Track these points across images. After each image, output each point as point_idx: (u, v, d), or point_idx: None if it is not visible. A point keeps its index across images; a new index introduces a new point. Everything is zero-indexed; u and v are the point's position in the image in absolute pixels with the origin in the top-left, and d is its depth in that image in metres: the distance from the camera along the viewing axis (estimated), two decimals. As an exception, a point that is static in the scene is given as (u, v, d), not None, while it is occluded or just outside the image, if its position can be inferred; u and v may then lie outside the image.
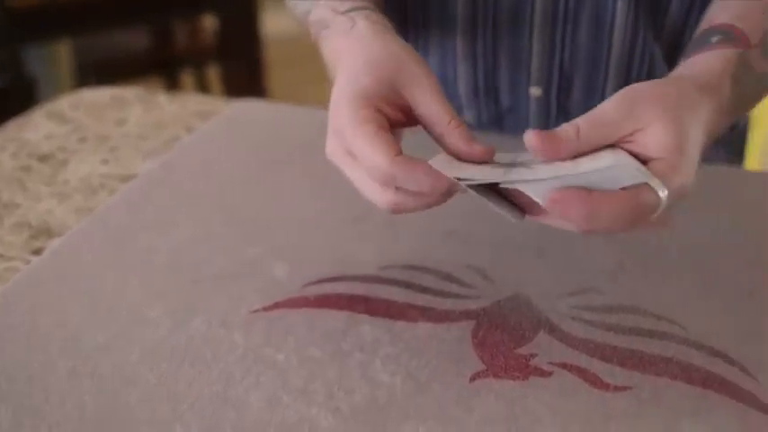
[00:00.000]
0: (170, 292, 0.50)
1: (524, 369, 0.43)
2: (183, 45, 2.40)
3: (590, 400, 0.41)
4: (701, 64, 0.48)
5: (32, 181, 0.65)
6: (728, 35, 0.50)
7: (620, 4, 0.62)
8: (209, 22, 2.35)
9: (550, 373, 0.43)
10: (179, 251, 0.54)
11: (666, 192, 0.38)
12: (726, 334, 0.46)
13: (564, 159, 0.40)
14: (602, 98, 0.67)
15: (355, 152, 0.42)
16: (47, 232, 0.57)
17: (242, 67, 2.25)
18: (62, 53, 2.20)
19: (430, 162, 0.41)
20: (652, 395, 0.41)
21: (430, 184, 0.40)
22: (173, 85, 2.38)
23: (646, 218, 0.39)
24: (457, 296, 0.49)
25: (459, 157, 0.43)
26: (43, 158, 0.68)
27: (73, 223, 0.58)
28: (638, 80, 0.66)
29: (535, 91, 0.67)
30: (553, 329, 0.46)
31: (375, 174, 0.41)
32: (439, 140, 0.43)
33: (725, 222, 0.58)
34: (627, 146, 0.41)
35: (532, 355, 0.44)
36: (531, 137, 0.40)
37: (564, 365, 0.43)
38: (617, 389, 0.42)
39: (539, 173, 0.40)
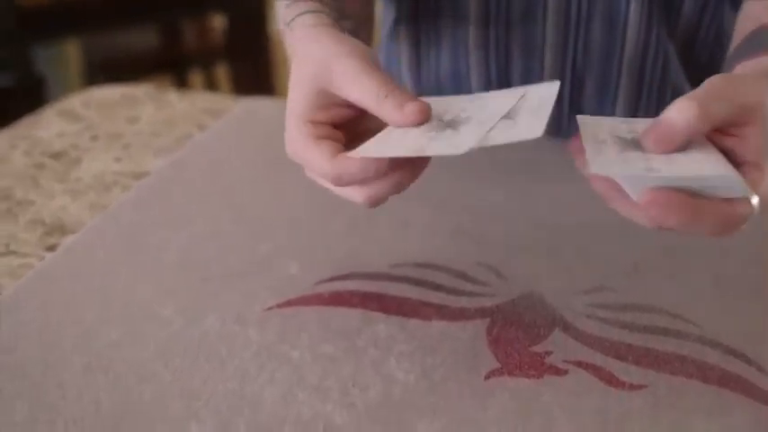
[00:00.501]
0: (182, 290, 0.50)
1: (539, 367, 0.43)
2: (192, 44, 2.40)
3: (605, 399, 0.41)
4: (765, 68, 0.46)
5: (46, 178, 0.65)
6: None
7: (633, 4, 0.62)
8: (218, 22, 2.35)
9: (566, 372, 0.43)
10: (191, 248, 0.54)
11: (757, 200, 0.37)
12: (741, 332, 0.46)
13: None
14: (616, 95, 0.67)
15: (310, 168, 0.43)
16: (61, 229, 0.57)
17: (251, 67, 2.26)
18: (70, 53, 2.20)
19: (364, 145, 0.40)
20: (667, 393, 0.41)
21: (373, 168, 0.40)
22: (181, 84, 2.38)
23: (737, 228, 0.37)
24: (470, 294, 0.49)
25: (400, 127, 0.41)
26: (56, 156, 0.69)
27: (87, 220, 0.58)
28: (651, 78, 0.66)
29: (548, 88, 0.67)
30: (568, 327, 0.46)
31: (328, 178, 0.42)
32: (380, 118, 0.42)
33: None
34: (729, 140, 0.39)
35: (547, 353, 0.44)
36: (648, 144, 0.38)
37: (579, 363, 0.43)
38: (632, 387, 0.42)
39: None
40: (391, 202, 0.43)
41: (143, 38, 2.32)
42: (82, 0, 1.88)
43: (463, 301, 0.48)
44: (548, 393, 0.41)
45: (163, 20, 2.24)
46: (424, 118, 0.41)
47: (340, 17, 0.52)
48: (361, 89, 0.42)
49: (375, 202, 0.43)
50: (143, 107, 0.79)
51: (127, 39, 2.27)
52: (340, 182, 0.41)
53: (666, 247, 0.54)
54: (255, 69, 2.26)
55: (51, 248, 0.55)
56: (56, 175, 0.65)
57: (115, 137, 0.72)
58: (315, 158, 0.42)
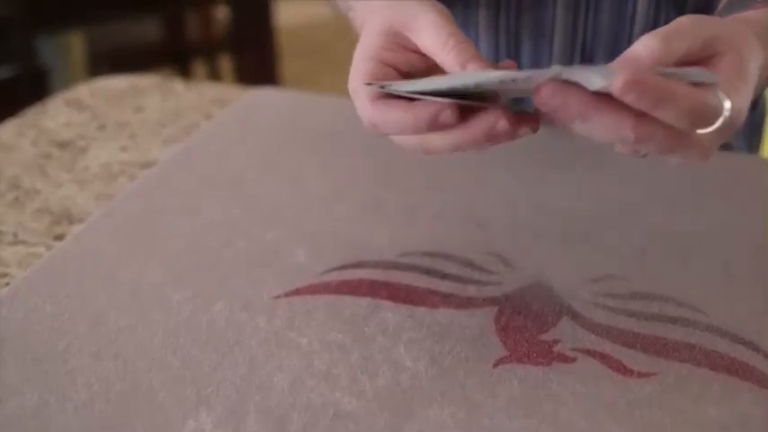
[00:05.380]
0: (190, 277, 0.50)
1: (547, 355, 0.43)
2: (195, 36, 2.39)
3: (614, 386, 0.41)
4: (748, 19, 0.46)
5: (53, 167, 0.65)
6: None
7: None
8: (222, 13, 2.34)
9: (574, 359, 0.43)
10: (198, 236, 0.54)
11: (729, 104, 0.37)
12: (750, 321, 0.46)
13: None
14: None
15: (358, 109, 0.42)
16: (68, 218, 0.57)
17: (254, 58, 2.25)
18: (74, 43, 2.20)
19: (378, 85, 0.40)
20: (676, 381, 0.41)
21: (411, 121, 0.38)
22: (185, 75, 2.38)
23: (705, 123, 0.37)
24: (478, 282, 0.49)
25: None
26: (63, 145, 0.69)
27: (93, 209, 0.58)
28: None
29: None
30: (576, 316, 0.46)
31: (365, 123, 0.41)
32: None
33: (747, 209, 0.58)
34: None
35: (555, 341, 0.44)
36: (619, 86, 0.34)
37: (587, 351, 0.43)
38: (641, 375, 0.42)
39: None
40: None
41: (146, 29, 2.31)
42: (86, -9, 1.88)
43: (471, 290, 0.48)
44: (556, 381, 0.41)
45: (167, 11, 2.24)
46: None
47: None
48: (432, 36, 0.42)
49: (429, 152, 0.41)
50: (150, 97, 0.79)
51: (130, 30, 2.26)
52: (375, 130, 0.41)
53: (675, 235, 0.54)
54: (259, 61, 2.25)
55: (59, 237, 0.55)
56: (63, 165, 0.65)
57: (122, 126, 0.72)
58: (359, 97, 0.41)
